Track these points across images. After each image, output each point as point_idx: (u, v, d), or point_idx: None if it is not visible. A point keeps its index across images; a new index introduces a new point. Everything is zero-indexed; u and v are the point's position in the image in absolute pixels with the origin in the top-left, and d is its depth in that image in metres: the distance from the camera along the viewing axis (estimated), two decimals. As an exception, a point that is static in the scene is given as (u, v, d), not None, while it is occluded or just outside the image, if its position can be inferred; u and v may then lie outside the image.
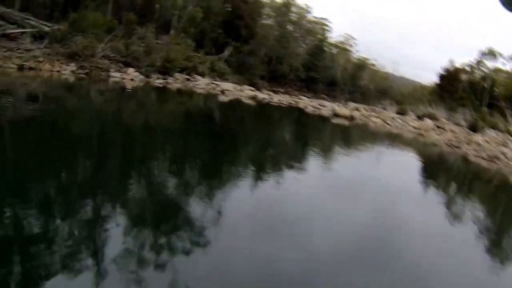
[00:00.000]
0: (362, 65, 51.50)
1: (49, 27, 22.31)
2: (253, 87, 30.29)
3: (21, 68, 19.06)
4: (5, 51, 19.71)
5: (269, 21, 41.70)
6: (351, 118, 27.73)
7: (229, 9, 34.88)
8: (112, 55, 23.02)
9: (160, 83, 23.18)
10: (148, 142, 11.32)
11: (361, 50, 53.38)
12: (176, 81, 24.56)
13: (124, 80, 21.55)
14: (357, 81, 49.98)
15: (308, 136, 19.74)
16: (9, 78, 17.36)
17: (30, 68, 19.42)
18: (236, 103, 23.81)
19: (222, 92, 25.71)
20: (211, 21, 32.94)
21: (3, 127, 9.57)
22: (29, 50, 20.44)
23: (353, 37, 51.12)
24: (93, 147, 9.53)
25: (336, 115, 27.36)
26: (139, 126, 13.71)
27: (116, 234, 4.98)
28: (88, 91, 18.71)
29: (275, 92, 33.56)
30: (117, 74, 21.77)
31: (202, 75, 27.23)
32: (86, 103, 15.91)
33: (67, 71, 20.29)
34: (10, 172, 6.58)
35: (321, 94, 42.28)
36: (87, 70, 20.96)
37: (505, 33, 55.78)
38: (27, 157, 7.52)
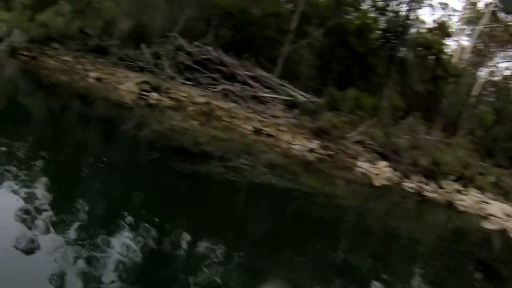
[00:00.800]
0: None
1: (305, 98, 19.49)
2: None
3: (258, 132, 16.52)
4: (250, 112, 17.50)
5: None
6: None
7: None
8: (368, 142, 18.33)
9: (412, 188, 17.03)
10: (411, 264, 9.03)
11: None
12: (437, 190, 17.86)
13: (370, 174, 16.54)
14: None
15: None
16: (245, 139, 15.75)
17: (268, 135, 16.56)
18: (496, 235, 16.12)
19: (486, 216, 17.67)
20: (506, 127, 25.67)
21: (247, 191, 9.84)
22: (275, 116, 17.80)
23: None
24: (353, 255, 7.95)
25: None
26: (398, 238, 10.71)
27: None
28: (331, 176, 15.10)
29: None
30: (365, 165, 16.80)
31: (481, 189, 19.68)
32: (330, 191, 13.09)
33: (307, 147, 16.58)
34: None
35: None
36: (330, 152, 16.72)
37: None
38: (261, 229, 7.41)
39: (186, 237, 6.10)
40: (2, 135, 9.02)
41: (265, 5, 24.31)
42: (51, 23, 19.51)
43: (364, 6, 27.59)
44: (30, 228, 4.79)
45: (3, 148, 7.99)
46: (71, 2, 20.27)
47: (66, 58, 19.70)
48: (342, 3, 25.42)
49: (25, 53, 19.46)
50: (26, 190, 5.91)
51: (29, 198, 5.64)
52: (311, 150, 16.55)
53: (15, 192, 5.72)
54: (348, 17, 25.82)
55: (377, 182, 15.97)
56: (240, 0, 24.34)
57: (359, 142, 18.25)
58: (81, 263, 4.38)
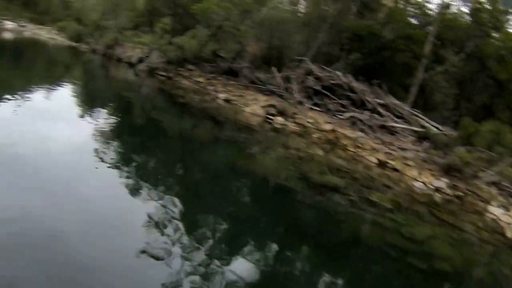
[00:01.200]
0: None
1: (439, 130, 18.58)
2: None
3: (382, 164, 16.23)
4: (376, 143, 17.27)
5: None
6: None
7: None
8: (505, 184, 16.88)
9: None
10: None
11: None
12: None
13: (502, 222, 14.94)
14: None
15: None
16: (369, 172, 15.42)
17: (394, 169, 16.17)
18: None
19: None
20: None
21: (365, 231, 9.58)
22: (403, 149, 17.30)
23: None
24: None
25: None
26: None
27: None
28: (456, 222, 13.47)
29: None
30: (497, 211, 15.41)
31: None
32: (453, 241, 11.66)
33: (434, 185, 15.88)
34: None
35: None
36: (459, 193, 15.78)
37: None
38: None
39: (304, 270, 6.55)
40: (139, 148, 10.33)
41: (397, 27, 23.52)
42: (186, 46, 21.27)
43: (509, 27, 25.31)
44: (161, 235, 5.62)
45: (139, 160, 9.21)
46: (208, 26, 21.82)
47: (199, 79, 21.37)
48: (483, 25, 23.59)
49: (162, 73, 21.55)
50: (156, 201, 6.83)
51: (160, 209, 6.51)
52: (438, 189, 15.80)
53: (146, 202, 6.67)
54: (490, 40, 23.88)
55: (509, 233, 14.52)
56: (371, 22, 23.95)
57: (494, 183, 16.90)
58: (200, 277, 5.07)
